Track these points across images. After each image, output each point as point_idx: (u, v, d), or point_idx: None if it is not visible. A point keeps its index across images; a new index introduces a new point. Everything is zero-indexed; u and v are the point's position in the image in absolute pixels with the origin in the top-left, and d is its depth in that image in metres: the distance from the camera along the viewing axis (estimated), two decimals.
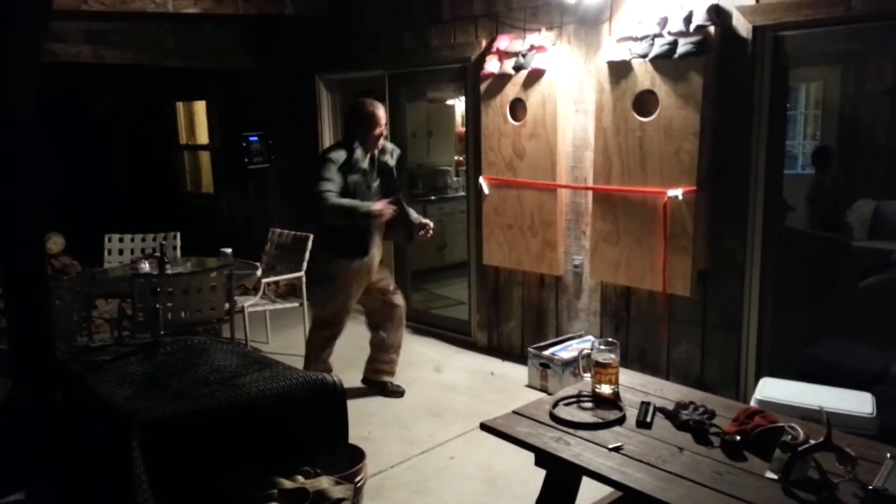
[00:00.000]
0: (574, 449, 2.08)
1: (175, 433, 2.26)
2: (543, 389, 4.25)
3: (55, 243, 5.88)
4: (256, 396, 2.46)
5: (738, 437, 2.04)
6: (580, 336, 4.51)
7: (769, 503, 1.77)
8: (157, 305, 2.84)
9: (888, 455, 1.73)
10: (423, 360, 5.04)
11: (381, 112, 3.98)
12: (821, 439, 1.87)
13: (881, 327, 3.76)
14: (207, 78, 7.34)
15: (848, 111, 6.39)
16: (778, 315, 3.84)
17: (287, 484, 2.37)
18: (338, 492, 2.43)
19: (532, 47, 4.43)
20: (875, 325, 3.82)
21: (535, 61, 4.39)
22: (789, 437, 1.96)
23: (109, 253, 5.59)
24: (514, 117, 4.58)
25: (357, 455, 2.85)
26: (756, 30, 3.62)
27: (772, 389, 3.28)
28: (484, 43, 4.81)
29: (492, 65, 4.65)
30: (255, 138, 6.88)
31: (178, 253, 5.64)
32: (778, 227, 3.87)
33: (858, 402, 3.11)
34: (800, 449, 1.87)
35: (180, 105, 8.40)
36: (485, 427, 2.32)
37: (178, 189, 8.59)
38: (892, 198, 5.85)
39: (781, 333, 3.86)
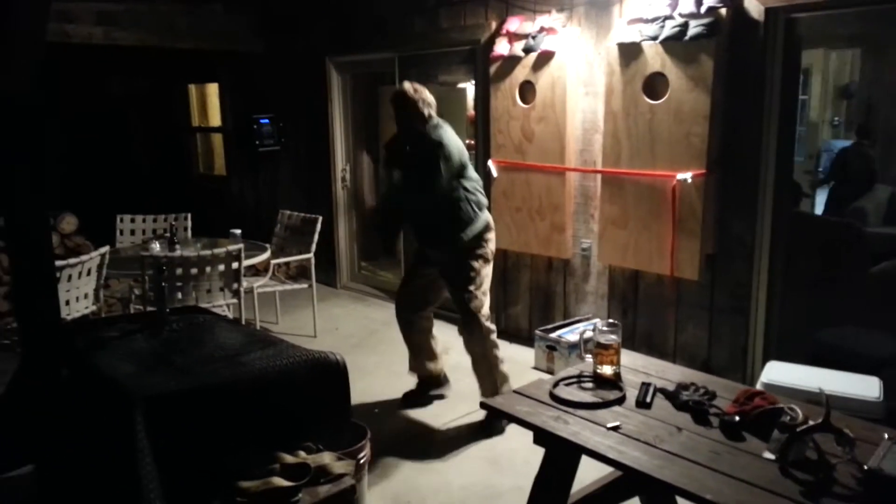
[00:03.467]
0: (572, 427, 2.08)
1: (178, 409, 2.29)
2: (550, 371, 4.25)
3: (68, 223, 5.92)
4: (260, 373, 2.48)
5: (738, 418, 2.04)
6: (588, 319, 4.50)
7: (766, 483, 1.76)
8: (164, 283, 2.87)
9: (885, 436, 1.72)
10: None
11: None
12: (819, 420, 1.87)
13: (891, 312, 3.73)
14: (219, 61, 7.35)
15: (865, 95, 6.31)
16: (787, 299, 3.82)
17: (289, 459, 2.40)
18: (339, 467, 2.45)
19: (542, 29, 4.40)
20: (885, 309, 3.79)
21: (545, 43, 4.36)
22: (788, 418, 1.95)
23: (122, 233, 5.64)
24: (524, 100, 4.56)
25: (360, 432, 2.87)
26: (768, 11, 3.57)
27: (778, 373, 3.27)
28: (494, 25, 4.78)
29: (501, 47, 4.62)
30: (266, 121, 6.90)
31: (189, 234, 5.69)
32: (788, 211, 3.83)
33: (866, 387, 3.09)
34: (798, 430, 1.86)
35: (192, 87, 8.43)
36: (485, 406, 2.33)
37: (191, 171, 8.64)
38: None
39: (790, 318, 3.84)
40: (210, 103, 8.45)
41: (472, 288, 3.60)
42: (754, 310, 3.82)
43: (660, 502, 2.55)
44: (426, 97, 3.60)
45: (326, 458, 2.47)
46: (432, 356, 3.97)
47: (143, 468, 2.16)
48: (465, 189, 3.60)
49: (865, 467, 1.56)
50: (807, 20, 3.57)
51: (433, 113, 3.62)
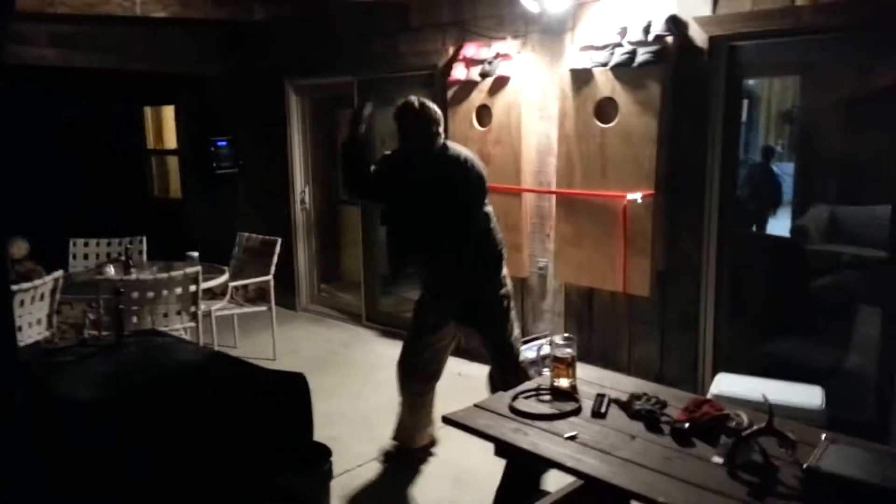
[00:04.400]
0: (531, 438, 2.15)
1: (138, 429, 2.28)
2: None
3: (19, 248, 5.80)
4: (221, 393, 2.49)
5: (687, 425, 2.14)
6: (545, 336, 4.59)
7: (715, 485, 1.85)
8: (121, 306, 2.85)
9: (823, 436, 1.83)
10: (391, 361, 5.01)
11: None
12: (763, 424, 1.97)
13: (832, 324, 3.91)
14: (176, 83, 7.32)
15: (806, 121, 6.61)
16: (733, 314, 3.98)
17: (254, 479, 2.40)
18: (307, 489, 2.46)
19: (498, 55, 4.54)
20: (826, 322, 3.98)
21: (501, 69, 4.49)
22: (734, 423, 2.06)
23: (74, 258, 5.56)
24: (481, 123, 4.68)
25: (324, 452, 2.88)
26: (712, 40, 3.76)
27: (727, 384, 3.40)
28: (451, 50, 4.91)
29: (459, 72, 4.74)
30: (224, 143, 6.89)
31: (144, 257, 5.62)
32: (732, 229, 4.01)
33: (809, 396, 3.24)
34: (743, 434, 1.96)
35: (148, 110, 8.36)
36: (447, 420, 2.38)
37: (146, 194, 8.54)
38: (846, 203, 6.06)
39: (737, 331, 4.00)
40: (166, 126, 8.40)
41: (513, 336, 3.29)
42: (703, 324, 3.97)
43: None
44: (438, 111, 3.20)
45: (292, 477, 2.48)
46: (431, 422, 3.60)
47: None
48: (489, 217, 3.20)
49: (804, 466, 1.66)
50: (747, 48, 3.77)
51: (441, 130, 3.21)
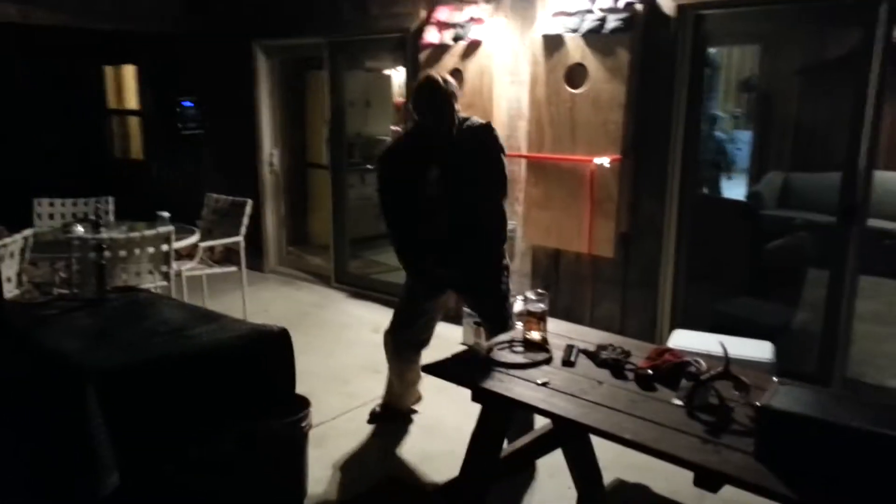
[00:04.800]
0: (507, 385, 2.29)
1: (128, 382, 2.35)
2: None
3: None
4: (206, 346, 2.57)
5: (650, 372, 2.30)
6: (513, 297, 4.74)
7: (676, 424, 2.01)
8: (103, 262, 2.89)
9: (774, 379, 2.00)
10: (362, 322, 5.20)
11: None
12: (720, 369, 2.14)
13: (782, 284, 4.15)
14: (138, 41, 7.18)
15: (764, 89, 6.82)
16: (691, 274, 4.17)
17: (238, 427, 2.50)
18: (289, 436, 2.57)
19: (471, 19, 4.59)
20: (777, 282, 4.21)
21: (474, 33, 4.55)
22: (693, 369, 2.23)
23: (39, 217, 5.49)
24: None
25: (302, 403, 2.99)
26: (680, 8, 3.88)
27: (683, 339, 3.60)
28: (423, 13, 4.93)
29: (431, 35, 4.78)
30: (190, 104, 6.81)
31: (112, 217, 5.59)
32: (693, 193, 4.18)
33: (760, 350, 3.46)
34: (702, 378, 2.13)
35: (108, 69, 8.18)
36: (427, 369, 2.50)
37: (106, 155, 8.39)
38: (800, 170, 6.32)
39: (694, 291, 4.20)
40: (126, 85, 8.23)
41: (509, 310, 3.32)
42: (662, 283, 4.16)
43: (580, 451, 2.80)
44: (456, 87, 3.12)
45: (274, 425, 2.59)
46: (417, 379, 3.62)
47: (96, 439, 2.22)
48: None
49: (757, 404, 1.82)
50: (714, 17, 3.90)
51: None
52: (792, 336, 4.09)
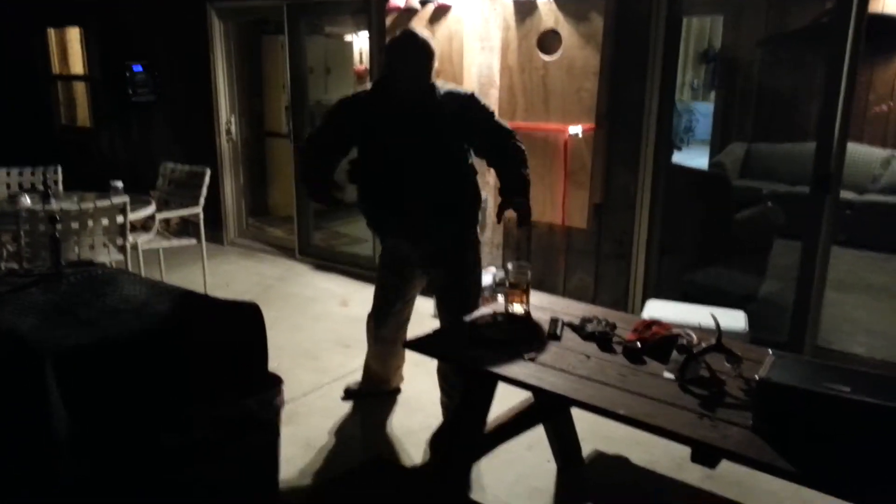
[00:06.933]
0: (493, 360, 2.22)
1: (89, 362, 2.21)
2: None
3: None
4: (172, 323, 2.43)
5: (639, 344, 2.26)
6: (484, 268, 4.67)
7: (669, 398, 1.98)
8: (57, 235, 2.71)
9: (770, 351, 1.97)
10: (329, 295, 5.07)
11: None
12: (713, 342, 2.11)
13: (752, 254, 4.17)
14: (82, 2, 6.78)
15: (728, 59, 6.84)
16: (664, 244, 4.16)
17: (209, 408, 2.38)
18: (263, 414, 2.47)
19: None
20: (747, 252, 4.23)
21: None
22: (684, 341, 2.19)
23: None
24: None
25: (274, 380, 2.88)
26: None
27: (656, 309, 3.58)
28: None
29: None
30: (140, 68, 6.49)
31: (61, 187, 5.31)
32: (666, 163, 4.15)
33: (733, 319, 3.47)
34: (694, 350, 2.09)
35: (52, 32, 7.73)
36: (409, 345, 2.41)
37: (51, 122, 7.98)
38: (763, 141, 6.39)
39: (666, 261, 4.19)
40: (72, 49, 7.80)
41: (476, 287, 3.14)
42: (636, 254, 4.14)
43: (561, 425, 2.77)
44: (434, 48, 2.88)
45: (247, 404, 2.47)
46: (402, 361, 3.50)
47: (55, 423, 2.08)
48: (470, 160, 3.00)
49: (757, 377, 1.79)
50: None
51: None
52: (764, 305, 4.13)
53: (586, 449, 2.98)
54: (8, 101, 7.97)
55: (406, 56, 2.80)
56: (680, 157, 6.97)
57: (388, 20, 4.68)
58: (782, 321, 3.82)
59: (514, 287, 2.59)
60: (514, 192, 2.86)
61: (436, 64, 2.85)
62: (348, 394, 3.55)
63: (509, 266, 2.63)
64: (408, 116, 2.84)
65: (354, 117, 2.97)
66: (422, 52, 2.80)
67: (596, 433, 3.03)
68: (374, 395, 3.51)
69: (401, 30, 2.98)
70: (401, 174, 2.89)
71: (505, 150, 2.90)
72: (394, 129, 2.86)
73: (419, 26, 4.49)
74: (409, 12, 4.55)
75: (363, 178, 3.01)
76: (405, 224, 2.99)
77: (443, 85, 2.92)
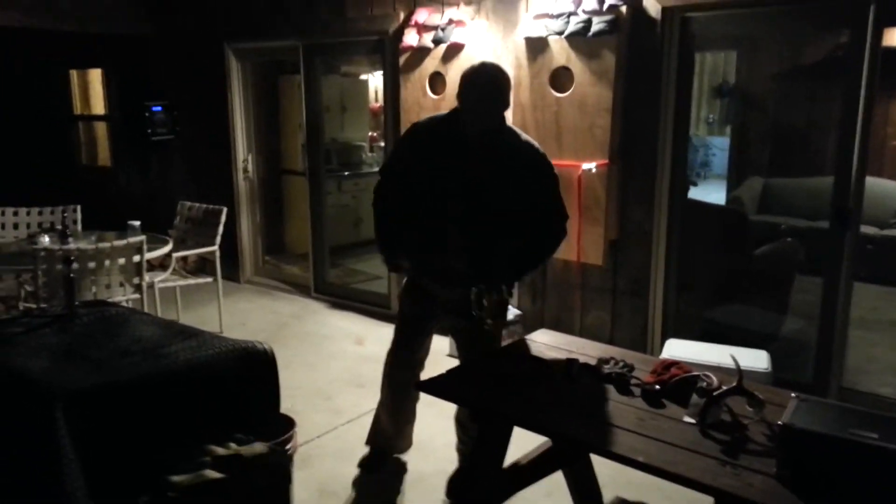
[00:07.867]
0: (509, 403, 2.17)
1: (100, 403, 2.19)
2: None
3: None
4: (184, 365, 2.41)
5: (658, 387, 2.20)
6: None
7: (689, 444, 1.91)
8: (72, 275, 2.72)
9: (793, 394, 1.91)
10: (343, 333, 5.04)
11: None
12: (733, 384, 2.05)
13: (772, 291, 4.09)
14: (105, 44, 6.94)
15: (743, 93, 6.82)
16: (682, 281, 4.10)
17: (220, 451, 2.35)
18: (272, 457, 2.42)
19: (451, 21, 4.47)
20: (767, 288, 4.15)
21: (455, 35, 4.43)
22: (704, 384, 2.13)
23: (3, 227, 5.25)
24: (434, 91, 4.62)
25: (287, 423, 2.84)
26: (665, 10, 3.81)
27: (677, 349, 3.51)
28: (402, 15, 4.81)
29: (410, 38, 4.66)
30: (159, 108, 6.60)
31: (80, 227, 5.37)
32: (681, 199, 4.11)
33: (755, 359, 3.38)
34: (715, 394, 2.03)
35: (74, 73, 7.91)
36: (422, 386, 2.37)
37: (73, 162, 8.12)
38: (780, 175, 6.33)
39: (685, 298, 4.13)
40: (93, 90, 7.97)
41: (499, 329, 2.90)
42: (653, 291, 4.08)
43: (581, 470, 2.69)
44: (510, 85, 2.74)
45: (258, 448, 2.43)
46: (412, 419, 3.23)
47: (66, 469, 2.06)
48: None
49: (780, 423, 1.73)
50: (700, 19, 3.84)
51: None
52: (786, 344, 4.03)
53: (607, 495, 2.89)
54: (30, 141, 8.13)
55: (483, 91, 2.59)
56: (697, 193, 6.90)
57: (402, 59, 4.73)
58: (806, 361, 3.73)
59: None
60: (513, 275, 2.74)
61: (510, 99, 2.72)
62: (363, 466, 3.23)
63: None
64: (475, 153, 2.65)
65: (419, 149, 2.78)
66: (501, 89, 2.62)
67: (617, 479, 2.94)
68: (385, 462, 3.23)
69: (479, 62, 2.76)
70: (455, 212, 2.68)
71: (549, 228, 2.75)
72: (457, 163, 2.65)
73: (429, 65, 4.54)
74: (423, 51, 4.60)
75: (407, 206, 2.79)
76: (443, 264, 2.77)
77: (521, 133, 2.76)
